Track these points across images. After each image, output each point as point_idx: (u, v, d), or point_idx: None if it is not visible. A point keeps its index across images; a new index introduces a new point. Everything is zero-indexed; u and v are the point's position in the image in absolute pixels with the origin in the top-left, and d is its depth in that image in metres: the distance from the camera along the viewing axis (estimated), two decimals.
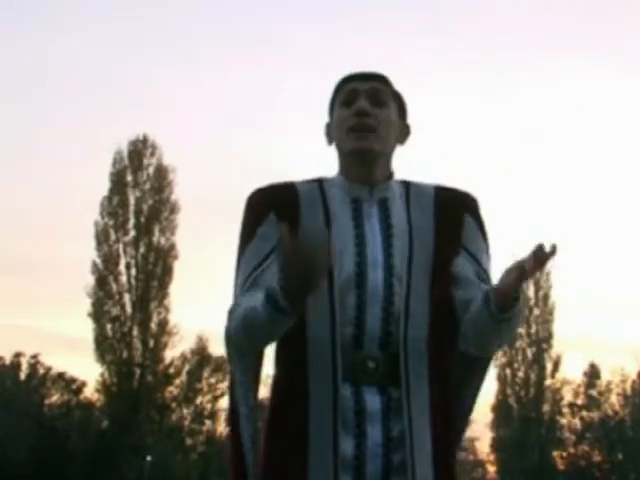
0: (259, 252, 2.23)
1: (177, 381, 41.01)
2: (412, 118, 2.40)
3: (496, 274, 2.17)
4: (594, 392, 41.64)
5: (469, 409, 2.35)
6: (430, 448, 2.15)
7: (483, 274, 2.28)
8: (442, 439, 2.18)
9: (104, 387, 36.44)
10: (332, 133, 2.34)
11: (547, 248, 1.99)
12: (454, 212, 2.30)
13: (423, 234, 2.25)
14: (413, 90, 2.49)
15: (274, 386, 2.25)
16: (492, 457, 43.99)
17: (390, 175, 2.33)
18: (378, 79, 2.32)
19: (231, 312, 2.20)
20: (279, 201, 2.27)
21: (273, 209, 2.25)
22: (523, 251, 2.16)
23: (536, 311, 39.70)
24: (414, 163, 2.42)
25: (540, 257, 1.98)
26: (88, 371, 60.56)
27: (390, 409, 2.15)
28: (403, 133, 2.36)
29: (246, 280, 2.22)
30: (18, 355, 41.29)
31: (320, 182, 2.32)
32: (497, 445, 41.09)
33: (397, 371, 2.15)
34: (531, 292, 39.37)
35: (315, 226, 2.21)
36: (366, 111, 2.25)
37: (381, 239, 2.23)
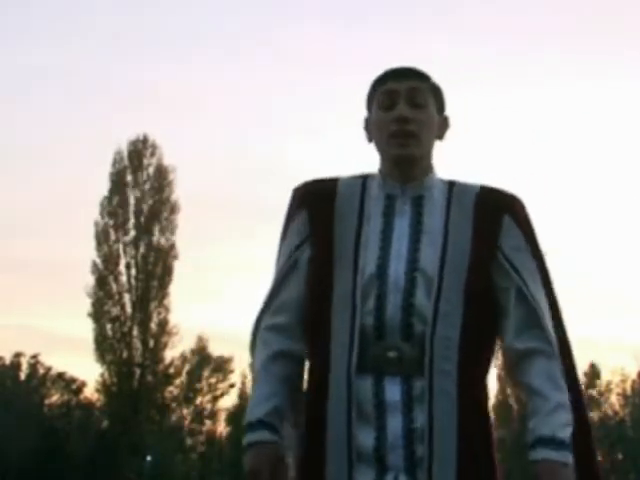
0: (288, 250, 2.33)
1: (177, 381, 41.07)
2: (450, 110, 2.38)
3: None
4: (594, 392, 41.65)
5: None
6: (455, 448, 2.13)
7: (514, 278, 2.23)
8: (472, 441, 2.16)
9: (104, 387, 36.48)
10: (372, 132, 2.35)
11: None
12: (493, 213, 2.27)
13: (459, 234, 2.23)
14: None
15: (307, 377, 2.30)
16: None
17: (428, 172, 2.32)
18: (416, 77, 2.31)
19: (254, 329, 2.33)
20: (315, 196, 2.33)
21: (307, 205, 2.33)
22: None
23: None
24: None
25: None
26: (88, 371, 60.64)
27: (412, 399, 2.15)
28: (442, 127, 2.35)
29: (273, 290, 2.33)
30: (18, 355, 41.38)
31: (365, 178, 2.34)
32: (497, 445, 41.04)
33: (422, 363, 2.15)
34: None
35: (347, 221, 2.27)
36: (406, 117, 2.25)
37: (408, 235, 2.24)
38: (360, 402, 2.15)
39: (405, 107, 2.26)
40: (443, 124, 2.35)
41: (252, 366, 2.32)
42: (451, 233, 2.23)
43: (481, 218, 2.26)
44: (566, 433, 2.16)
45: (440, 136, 2.35)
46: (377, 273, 2.20)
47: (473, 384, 2.20)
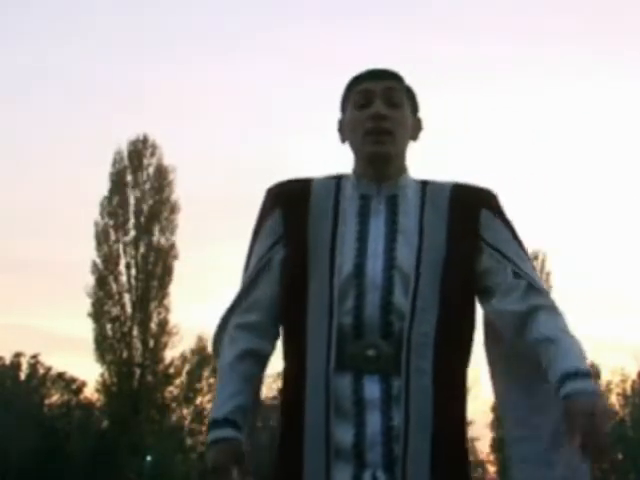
0: (261, 250, 2.31)
1: (177, 381, 41.05)
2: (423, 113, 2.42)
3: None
4: None
5: None
6: (429, 447, 2.13)
7: (506, 263, 2.25)
8: (446, 441, 2.17)
9: (104, 387, 36.45)
10: (346, 133, 2.36)
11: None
12: (470, 208, 2.29)
13: (434, 233, 2.24)
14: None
15: (282, 377, 2.29)
16: (492, 457, 44.00)
17: (402, 171, 2.33)
18: (392, 77, 2.33)
19: (221, 327, 2.31)
20: (289, 196, 2.32)
21: (281, 204, 2.31)
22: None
23: None
24: (419, 163, 2.41)
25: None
26: (88, 371, 60.54)
27: (391, 398, 2.15)
28: (416, 128, 2.37)
29: (244, 289, 2.32)
30: (18, 355, 41.30)
31: (339, 178, 2.35)
32: (497, 445, 41.06)
33: (399, 360, 2.16)
34: None
35: (322, 221, 2.27)
36: (383, 115, 2.26)
37: (384, 234, 2.24)
38: (338, 399, 2.15)
39: (381, 105, 2.27)
40: (417, 125, 2.37)
41: (218, 363, 2.30)
42: (426, 232, 2.24)
43: (457, 215, 2.27)
44: (587, 366, 2.13)
45: (414, 137, 2.37)
46: (355, 272, 2.20)
47: (449, 382, 2.20)
